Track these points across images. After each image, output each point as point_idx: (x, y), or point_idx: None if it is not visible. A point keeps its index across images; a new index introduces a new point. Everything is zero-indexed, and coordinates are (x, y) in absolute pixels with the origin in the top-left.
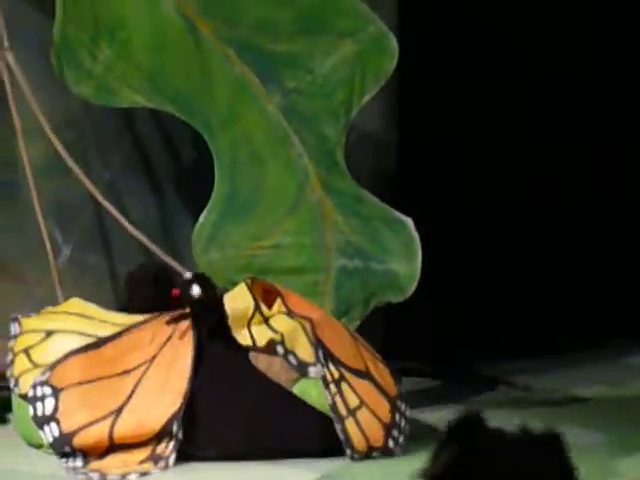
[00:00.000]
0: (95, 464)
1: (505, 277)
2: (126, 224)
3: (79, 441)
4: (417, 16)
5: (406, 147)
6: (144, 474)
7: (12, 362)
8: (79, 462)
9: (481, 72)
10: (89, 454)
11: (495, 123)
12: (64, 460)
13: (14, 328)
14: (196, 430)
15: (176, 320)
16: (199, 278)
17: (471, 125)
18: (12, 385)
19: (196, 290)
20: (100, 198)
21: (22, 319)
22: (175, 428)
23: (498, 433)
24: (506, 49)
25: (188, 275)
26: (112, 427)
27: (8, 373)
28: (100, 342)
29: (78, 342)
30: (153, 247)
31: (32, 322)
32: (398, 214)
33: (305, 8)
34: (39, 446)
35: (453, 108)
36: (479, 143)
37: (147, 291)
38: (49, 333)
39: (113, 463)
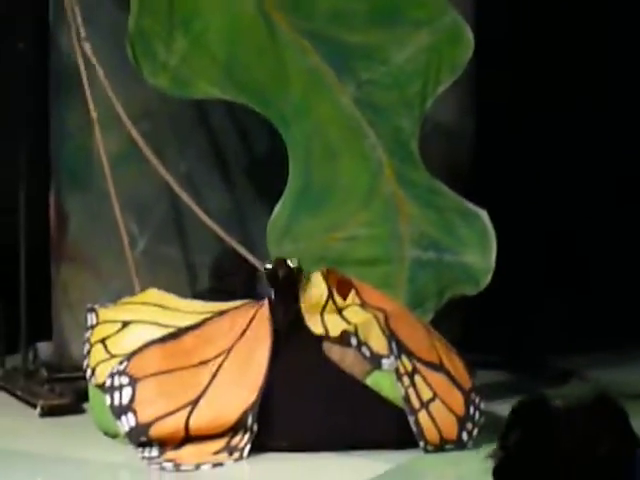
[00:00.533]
0: (170, 454)
1: (582, 271)
2: (202, 215)
3: (155, 432)
4: (494, 6)
5: (482, 138)
6: (218, 464)
7: (89, 353)
8: (155, 452)
9: (560, 62)
10: (165, 444)
11: (575, 114)
12: (140, 449)
13: (91, 319)
14: (270, 420)
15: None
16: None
17: (549, 116)
18: (88, 375)
19: (282, 271)
20: (177, 189)
21: (99, 310)
22: (250, 421)
23: (557, 412)
24: (586, 38)
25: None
26: (188, 418)
27: (85, 363)
28: (178, 333)
29: (154, 332)
30: (228, 238)
31: (108, 313)
32: (473, 206)
33: None
34: (115, 435)
35: (531, 99)
36: (557, 135)
37: (225, 281)
38: (125, 323)
39: (188, 453)
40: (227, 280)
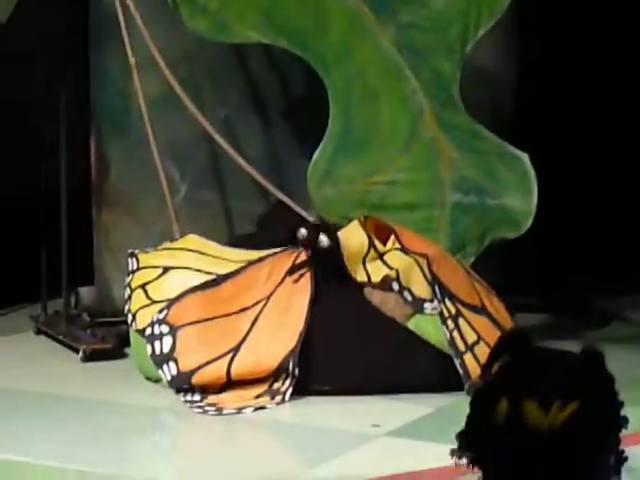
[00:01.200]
0: (212, 398)
1: (622, 215)
2: (242, 161)
3: (197, 379)
4: None
5: (523, 83)
6: (260, 408)
7: (129, 298)
8: (197, 396)
9: (604, 8)
10: (207, 390)
11: (617, 60)
12: (182, 394)
13: (131, 264)
14: (312, 365)
15: (295, 266)
16: (323, 227)
17: (590, 61)
18: (129, 320)
19: (324, 241)
20: (216, 136)
21: (139, 255)
22: (291, 365)
23: (543, 348)
24: None
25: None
26: (230, 365)
27: (126, 308)
28: (217, 280)
29: (194, 279)
30: (268, 184)
31: (149, 258)
32: (514, 149)
33: None
34: (157, 380)
35: (572, 44)
36: (598, 79)
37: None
38: (166, 269)
39: (230, 397)
40: (269, 230)
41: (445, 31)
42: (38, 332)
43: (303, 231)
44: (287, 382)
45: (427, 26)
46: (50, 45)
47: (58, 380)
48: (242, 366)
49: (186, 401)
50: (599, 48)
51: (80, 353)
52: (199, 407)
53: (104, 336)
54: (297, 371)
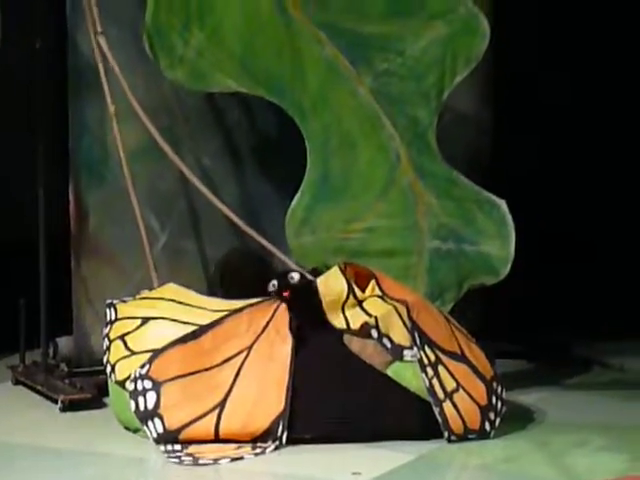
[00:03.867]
0: (192, 448)
1: (605, 259)
2: (223, 207)
3: (185, 437)
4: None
5: (501, 129)
6: (237, 458)
7: (108, 349)
8: (177, 446)
9: (579, 52)
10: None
11: (595, 103)
12: (162, 444)
13: (109, 314)
14: (292, 413)
15: (274, 307)
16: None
17: (568, 106)
18: (108, 371)
19: (295, 276)
20: (196, 182)
21: (118, 305)
22: (280, 430)
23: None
24: (609, 27)
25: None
26: (217, 423)
27: (104, 359)
28: (197, 332)
29: (174, 330)
30: (250, 230)
31: (127, 308)
32: (492, 196)
33: None
34: (135, 430)
35: (550, 89)
36: (575, 130)
37: (243, 276)
38: (145, 320)
39: (209, 449)
40: (239, 274)
41: (421, 79)
42: (16, 382)
43: (274, 282)
44: (273, 445)
45: (403, 74)
46: (28, 96)
47: (37, 430)
48: (230, 426)
49: (165, 451)
50: (577, 93)
51: (59, 403)
52: (176, 457)
53: (82, 386)
54: (285, 436)
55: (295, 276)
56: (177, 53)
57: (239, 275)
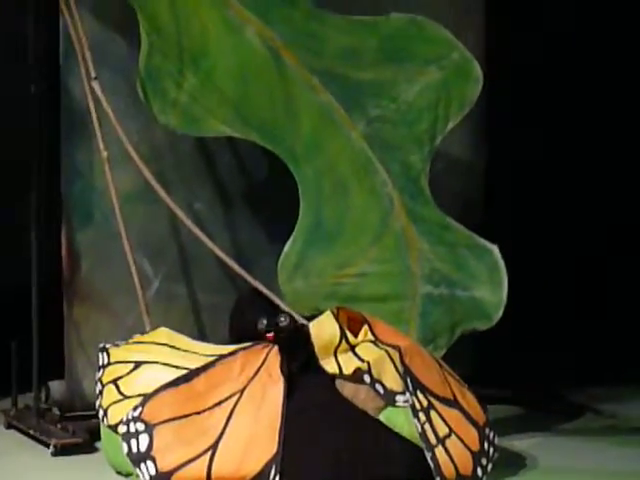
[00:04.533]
0: None
1: (594, 304)
2: (218, 251)
3: (177, 479)
4: (503, 42)
5: (493, 175)
6: None
7: (101, 393)
8: None
9: (571, 95)
10: None
11: (588, 149)
12: None
13: (102, 358)
14: (284, 457)
15: (267, 351)
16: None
17: (560, 155)
18: (101, 415)
19: (284, 319)
20: (191, 226)
21: (110, 349)
22: (272, 473)
23: None
24: (600, 70)
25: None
26: (210, 466)
27: (97, 404)
28: (190, 375)
29: (167, 374)
30: (244, 273)
31: (120, 353)
32: (484, 241)
33: (389, 36)
34: (127, 474)
35: (542, 135)
36: (568, 171)
37: (235, 322)
38: (138, 364)
39: None
40: (238, 319)
41: (414, 124)
42: (8, 426)
43: (264, 321)
44: None
45: (396, 119)
46: (21, 141)
47: (28, 474)
48: (223, 468)
49: None
50: (569, 138)
51: (50, 447)
52: None
53: (75, 430)
54: (278, 478)
55: (284, 318)
56: (170, 97)
57: (246, 322)
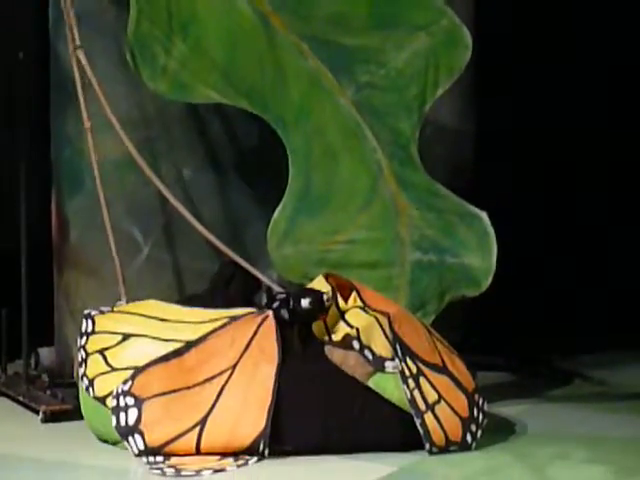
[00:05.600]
0: (174, 460)
1: (584, 271)
2: (197, 225)
3: (166, 452)
4: (493, 8)
5: (483, 140)
6: (219, 470)
7: (84, 361)
8: (159, 458)
9: (560, 61)
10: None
11: (576, 113)
12: (144, 456)
13: (86, 325)
14: (274, 424)
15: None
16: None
17: (548, 117)
18: (85, 385)
19: (305, 303)
20: (172, 199)
21: (95, 317)
22: (262, 447)
23: None
24: (588, 37)
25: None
26: (199, 441)
27: (80, 372)
28: (181, 350)
29: (156, 347)
30: (223, 247)
31: (107, 322)
32: (473, 208)
33: (379, 2)
34: (114, 442)
35: (531, 100)
36: (557, 135)
37: (227, 290)
38: (126, 336)
39: (192, 460)
40: (226, 287)
41: (403, 91)
42: None
43: (308, 300)
44: (254, 459)
45: (385, 86)
46: (10, 107)
47: (17, 441)
48: (212, 443)
49: (148, 462)
50: (559, 104)
51: (40, 414)
52: (159, 468)
53: (64, 397)
54: (267, 451)
55: (305, 302)
56: (159, 64)
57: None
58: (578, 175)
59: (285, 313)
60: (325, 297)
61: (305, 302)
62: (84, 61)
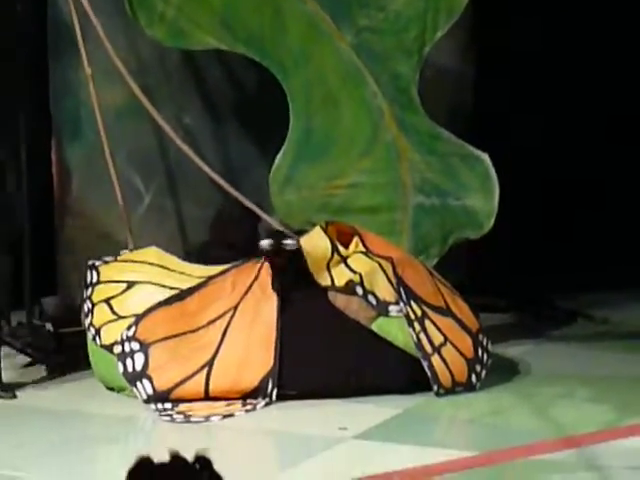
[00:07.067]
0: (182, 406)
1: (583, 211)
2: (206, 168)
3: (175, 397)
4: None
5: (483, 83)
6: (228, 415)
7: (91, 311)
8: (168, 404)
9: (559, 8)
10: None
11: (574, 58)
12: (152, 403)
13: (91, 276)
14: (280, 370)
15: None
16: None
17: (548, 60)
18: (92, 334)
19: (265, 242)
20: (180, 142)
21: (100, 267)
22: (270, 387)
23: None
24: None
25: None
26: (207, 383)
27: (87, 322)
28: (182, 294)
29: (159, 294)
30: (232, 190)
31: (110, 271)
32: (475, 150)
33: None
34: (120, 390)
35: (530, 42)
36: (557, 78)
37: (230, 237)
38: (130, 284)
39: (200, 406)
40: (228, 233)
41: (402, 34)
42: (2, 343)
43: (267, 241)
44: (263, 402)
45: (384, 29)
46: (9, 58)
47: (22, 390)
48: (220, 384)
49: (157, 409)
50: (557, 49)
51: (45, 366)
52: (168, 415)
53: (69, 347)
54: (275, 393)
55: (291, 243)
56: (157, 11)
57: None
58: (578, 120)
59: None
60: (288, 241)
61: (264, 243)
62: (87, 5)
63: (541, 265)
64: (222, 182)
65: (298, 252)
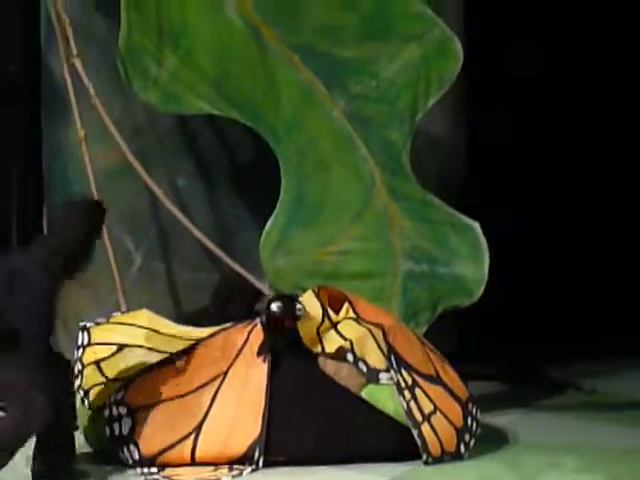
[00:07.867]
0: (169, 471)
1: (575, 282)
2: (195, 231)
3: (162, 462)
4: (483, 20)
5: (474, 151)
6: None
7: (81, 373)
8: (154, 469)
9: (550, 72)
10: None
11: (565, 125)
12: (138, 467)
13: (82, 337)
14: (268, 435)
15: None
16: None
17: (539, 128)
18: (81, 396)
19: (275, 305)
20: (170, 206)
21: (91, 329)
22: (257, 455)
23: None
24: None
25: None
26: (194, 449)
27: (77, 383)
28: (172, 358)
29: (150, 357)
30: (221, 253)
31: (101, 333)
32: (465, 218)
33: (370, 13)
34: (110, 452)
35: (521, 111)
36: (547, 148)
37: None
38: (121, 347)
39: (187, 471)
40: (227, 306)
41: (395, 101)
42: None
43: (277, 304)
44: (249, 469)
45: (377, 96)
46: (2, 119)
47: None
48: (208, 450)
49: (142, 473)
50: (548, 116)
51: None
52: (153, 479)
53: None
54: (262, 460)
55: (275, 307)
56: (151, 75)
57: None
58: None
59: (263, 317)
60: (298, 305)
61: (274, 306)
62: (80, 69)
63: (531, 334)
64: (210, 244)
65: (290, 314)
